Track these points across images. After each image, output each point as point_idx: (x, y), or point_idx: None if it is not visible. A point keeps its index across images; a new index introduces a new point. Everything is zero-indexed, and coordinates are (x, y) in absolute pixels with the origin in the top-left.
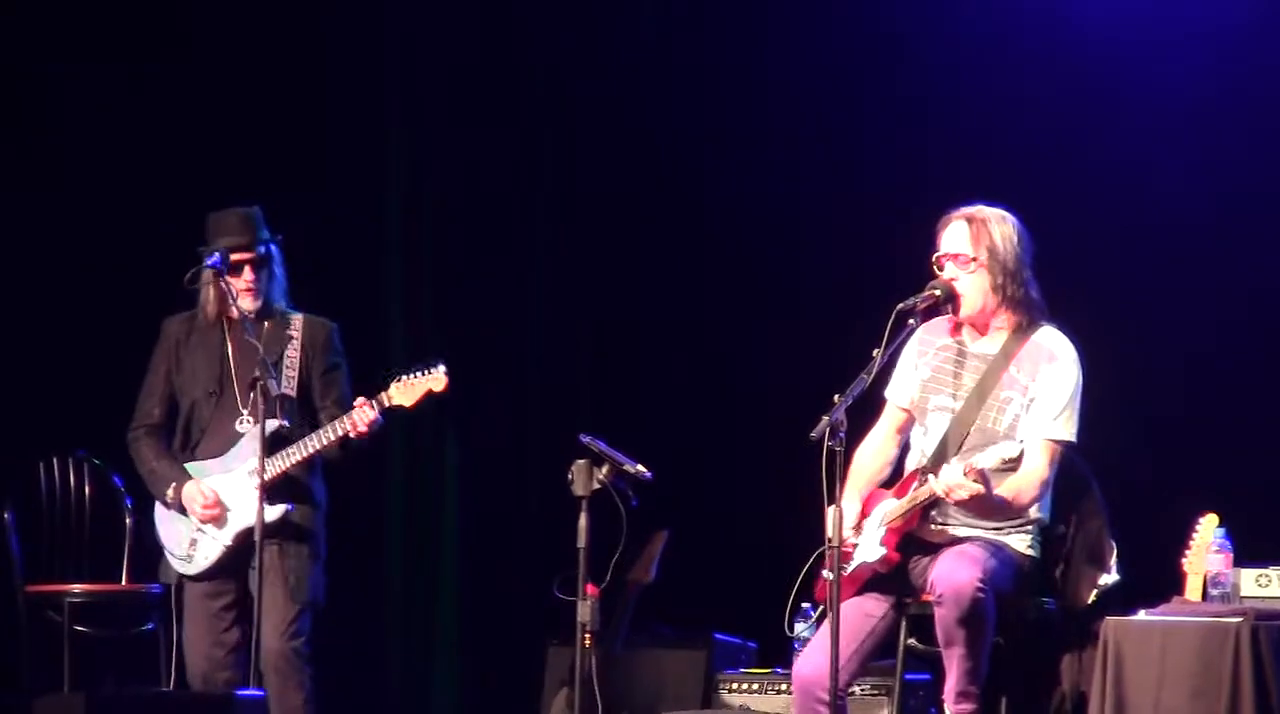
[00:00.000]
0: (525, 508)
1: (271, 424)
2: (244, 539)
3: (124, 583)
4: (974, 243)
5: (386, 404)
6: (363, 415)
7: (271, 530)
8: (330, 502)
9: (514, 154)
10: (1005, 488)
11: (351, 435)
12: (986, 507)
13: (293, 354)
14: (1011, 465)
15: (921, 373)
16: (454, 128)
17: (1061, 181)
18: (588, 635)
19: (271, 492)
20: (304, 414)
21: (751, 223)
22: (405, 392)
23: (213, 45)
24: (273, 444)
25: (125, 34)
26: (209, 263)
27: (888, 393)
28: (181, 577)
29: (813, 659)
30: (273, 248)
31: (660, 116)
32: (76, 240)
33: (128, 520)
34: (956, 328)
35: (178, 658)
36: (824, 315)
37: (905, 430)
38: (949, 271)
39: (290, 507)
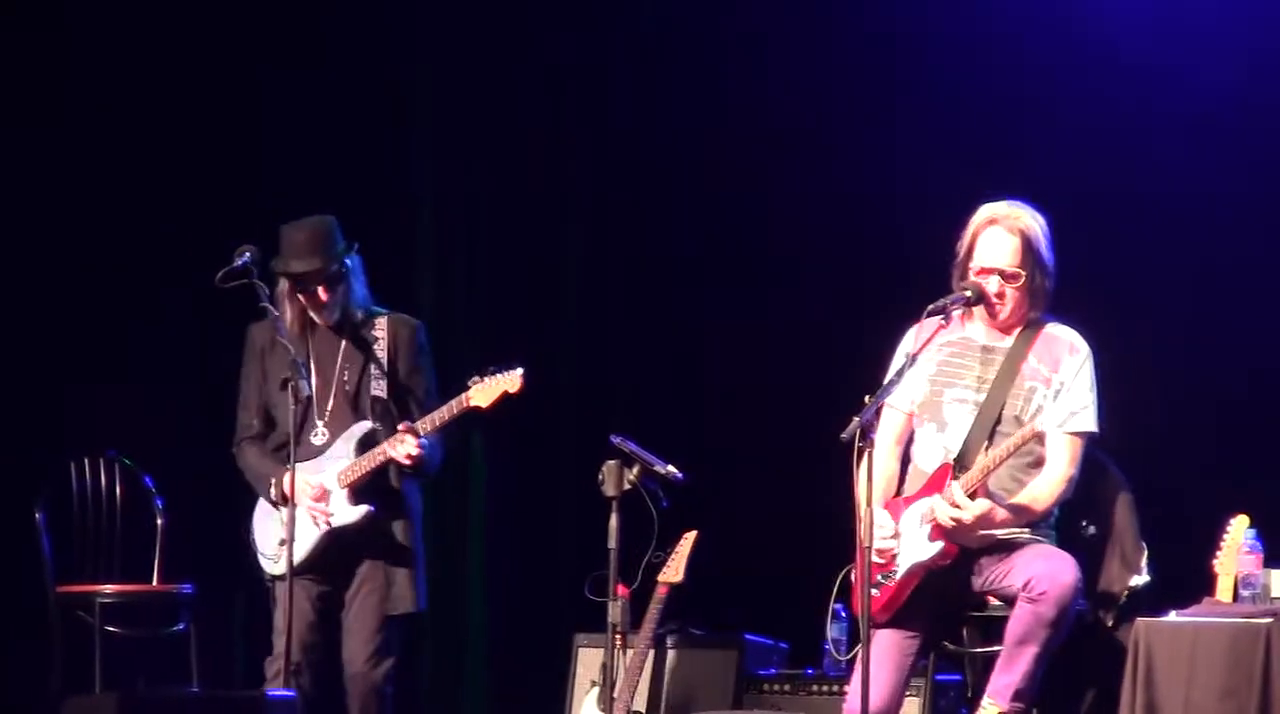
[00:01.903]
0: (555, 508)
1: (364, 426)
2: (332, 537)
3: (155, 583)
4: (1023, 259)
5: (466, 405)
6: (397, 448)
7: (364, 540)
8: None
9: (546, 152)
10: (1024, 494)
11: (398, 459)
12: (1007, 516)
13: (380, 355)
14: (1031, 460)
15: (925, 369)
16: (482, 122)
17: (1079, 181)
18: (618, 636)
19: (358, 492)
20: (400, 415)
21: (787, 225)
22: (483, 392)
23: (219, 45)
24: (364, 446)
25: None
26: (238, 263)
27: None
28: (271, 576)
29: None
30: (347, 261)
31: (696, 116)
32: (111, 242)
33: (159, 521)
34: (964, 320)
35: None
36: (856, 316)
37: (905, 438)
38: (993, 285)
39: (373, 508)
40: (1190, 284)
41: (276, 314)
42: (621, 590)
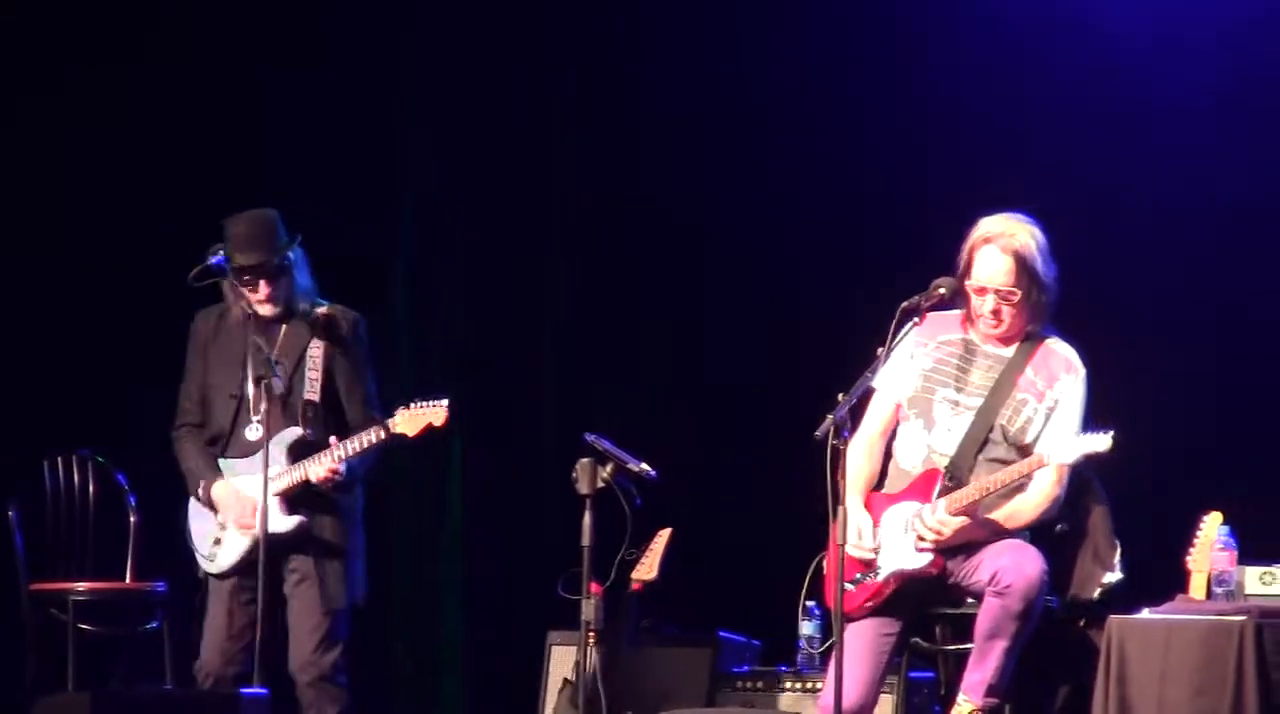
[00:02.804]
0: (529, 506)
1: (294, 432)
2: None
3: (128, 581)
4: (1017, 278)
5: (392, 431)
6: (313, 468)
7: (295, 541)
8: (366, 505)
9: (528, 153)
10: (1006, 509)
11: (313, 481)
12: (986, 533)
13: (315, 352)
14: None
15: (921, 364)
16: (468, 125)
17: (1067, 181)
18: (592, 634)
19: (290, 500)
20: (333, 416)
21: (757, 224)
22: (409, 421)
23: (217, 46)
24: (299, 453)
25: (129, 33)
26: (213, 262)
27: (878, 383)
28: (207, 574)
29: (845, 691)
30: (290, 254)
31: (672, 116)
32: (80, 240)
33: (132, 518)
34: (966, 323)
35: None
36: (828, 314)
37: (890, 430)
38: (990, 302)
39: (304, 519)
40: (1166, 282)
41: (250, 314)
42: (595, 588)
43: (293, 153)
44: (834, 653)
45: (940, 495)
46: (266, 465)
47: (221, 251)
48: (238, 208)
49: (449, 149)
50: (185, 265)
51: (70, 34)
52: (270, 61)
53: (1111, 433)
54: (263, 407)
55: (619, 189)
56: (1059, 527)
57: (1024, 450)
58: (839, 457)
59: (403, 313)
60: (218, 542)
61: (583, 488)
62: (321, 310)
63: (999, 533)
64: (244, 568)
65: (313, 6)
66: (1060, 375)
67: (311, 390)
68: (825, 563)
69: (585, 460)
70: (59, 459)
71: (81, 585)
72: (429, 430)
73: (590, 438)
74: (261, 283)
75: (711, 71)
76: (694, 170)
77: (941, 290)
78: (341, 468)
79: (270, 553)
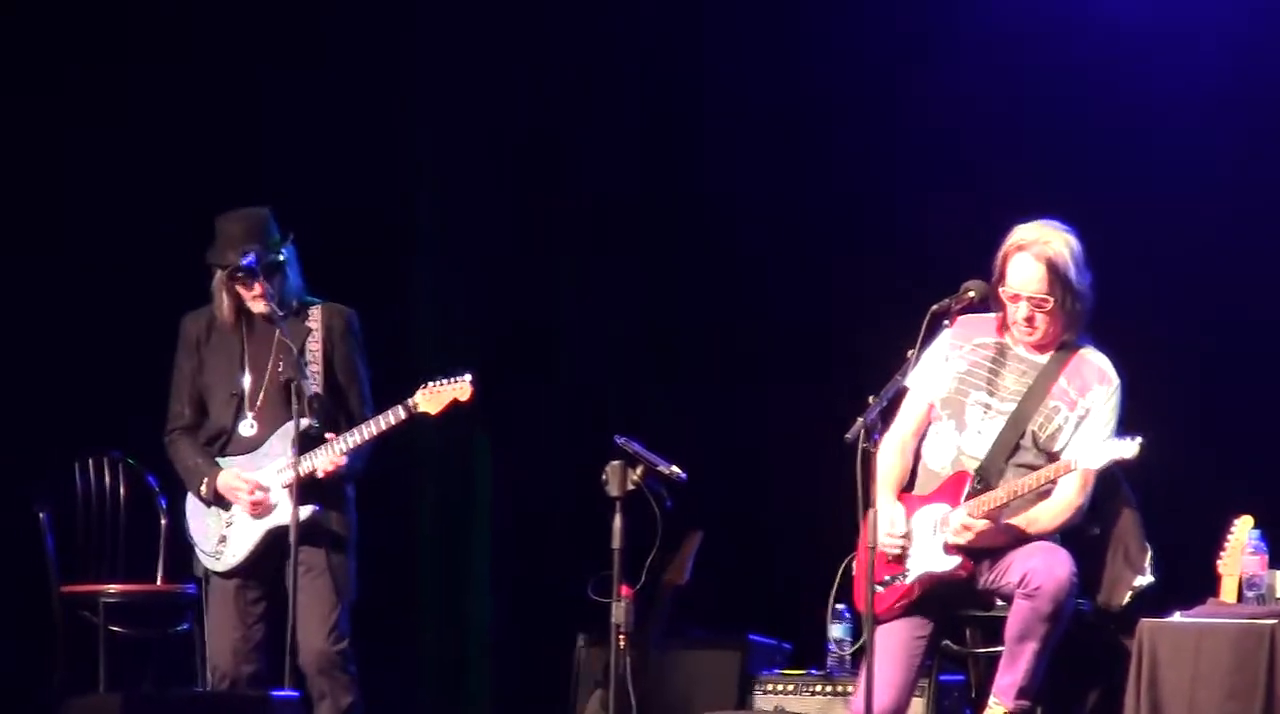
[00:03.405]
0: (560, 508)
1: (301, 423)
2: (272, 538)
3: (159, 583)
4: (1050, 286)
5: (414, 410)
6: (317, 459)
7: (304, 533)
8: (359, 498)
9: (546, 148)
10: (1029, 515)
11: (319, 475)
12: (1008, 538)
13: (314, 347)
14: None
15: (956, 366)
16: (484, 124)
17: (1090, 180)
18: (622, 636)
19: (300, 493)
20: (334, 408)
21: (786, 224)
22: (431, 399)
23: (217, 46)
24: (303, 446)
25: (129, 33)
26: (244, 263)
27: (910, 382)
28: (210, 572)
29: (878, 695)
30: (282, 252)
31: (672, 116)
32: (109, 243)
33: (163, 521)
34: (1001, 328)
35: (201, 653)
36: (858, 315)
37: (924, 428)
38: (1023, 310)
39: (318, 508)
40: (1197, 283)
41: (282, 315)
42: (625, 591)
43: (293, 153)
44: (866, 658)
45: (968, 498)
46: (298, 458)
47: (252, 254)
48: (238, 208)
49: (462, 147)
50: (201, 266)
51: (70, 34)
52: (270, 61)
53: (1139, 439)
54: (294, 406)
55: (641, 186)
56: (1092, 530)
57: (1052, 458)
58: (869, 460)
59: (426, 313)
60: (223, 539)
61: (613, 490)
62: (315, 307)
63: (1020, 539)
64: (251, 564)
65: (313, 6)
66: (1094, 385)
67: (315, 384)
68: (854, 565)
69: (616, 463)
70: (90, 461)
71: (112, 588)
72: (453, 407)
73: (621, 440)
74: (255, 283)
75: (712, 71)
76: (718, 170)
77: (971, 293)
78: (343, 461)
79: (278, 546)
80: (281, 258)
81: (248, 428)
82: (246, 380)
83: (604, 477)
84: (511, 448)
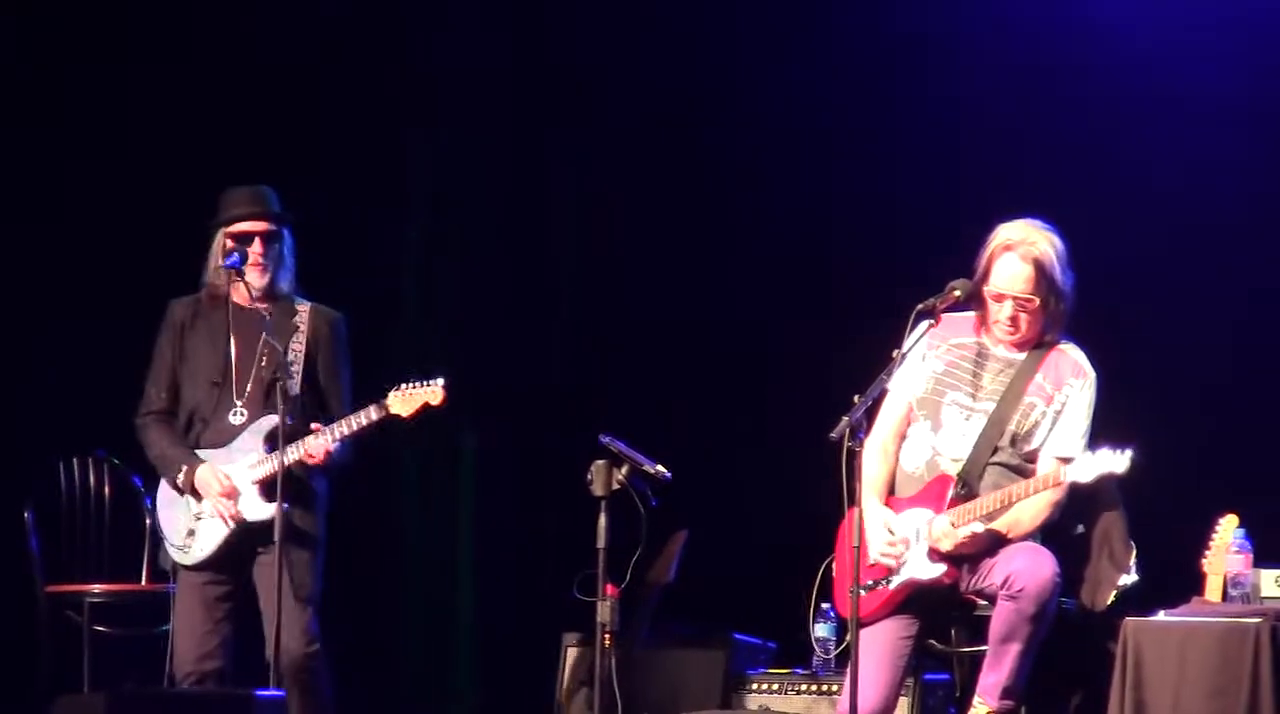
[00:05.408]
0: (544, 508)
1: (272, 421)
2: (242, 533)
3: (144, 583)
4: (1035, 286)
5: (387, 411)
6: (317, 445)
7: (272, 530)
8: (332, 497)
9: (533, 152)
10: (1008, 517)
11: (309, 464)
12: (990, 540)
13: (298, 347)
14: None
15: (932, 366)
16: (474, 124)
17: (1082, 181)
18: (607, 635)
19: (269, 488)
20: (312, 408)
21: (773, 223)
22: (403, 402)
23: (217, 46)
24: (273, 441)
25: (129, 33)
26: (227, 263)
27: (892, 385)
28: (178, 566)
29: (865, 695)
30: (284, 229)
31: (682, 114)
32: (94, 240)
33: (147, 520)
34: (979, 327)
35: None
36: (844, 315)
37: (905, 429)
38: (1007, 309)
39: (287, 506)
40: (1180, 283)
41: (266, 307)
42: (610, 590)
43: (293, 153)
44: (851, 659)
45: (951, 505)
46: (282, 454)
47: (236, 254)
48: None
49: (455, 145)
50: (195, 267)
51: (70, 34)
52: (270, 61)
53: (1130, 453)
54: (278, 405)
55: (629, 184)
56: (1076, 529)
57: (1030, 456)
58: (854, 458)
59: (412, 313)
60: (191, 533)
61: (598, 489)
62: (304, 307)
63: (1003, 542)
64: (219, 559)
65: (313, 6)
66: (1068, 379)
67: (294, 384)
68: (834, 566)
69: (600, 462)
70: (75, 461)
71: (97, 587)
72: (425, 410)
73: (605, 439)
74: (256, 241)
75: (712, 71)
76: (703, 168)
77: (956, 292)
78: (334, 448)
79: (247, 541)
80: (285, 232)
81: (237, 416)
82: (230, 372)
83: (589, 476)
84: (497, 447)
